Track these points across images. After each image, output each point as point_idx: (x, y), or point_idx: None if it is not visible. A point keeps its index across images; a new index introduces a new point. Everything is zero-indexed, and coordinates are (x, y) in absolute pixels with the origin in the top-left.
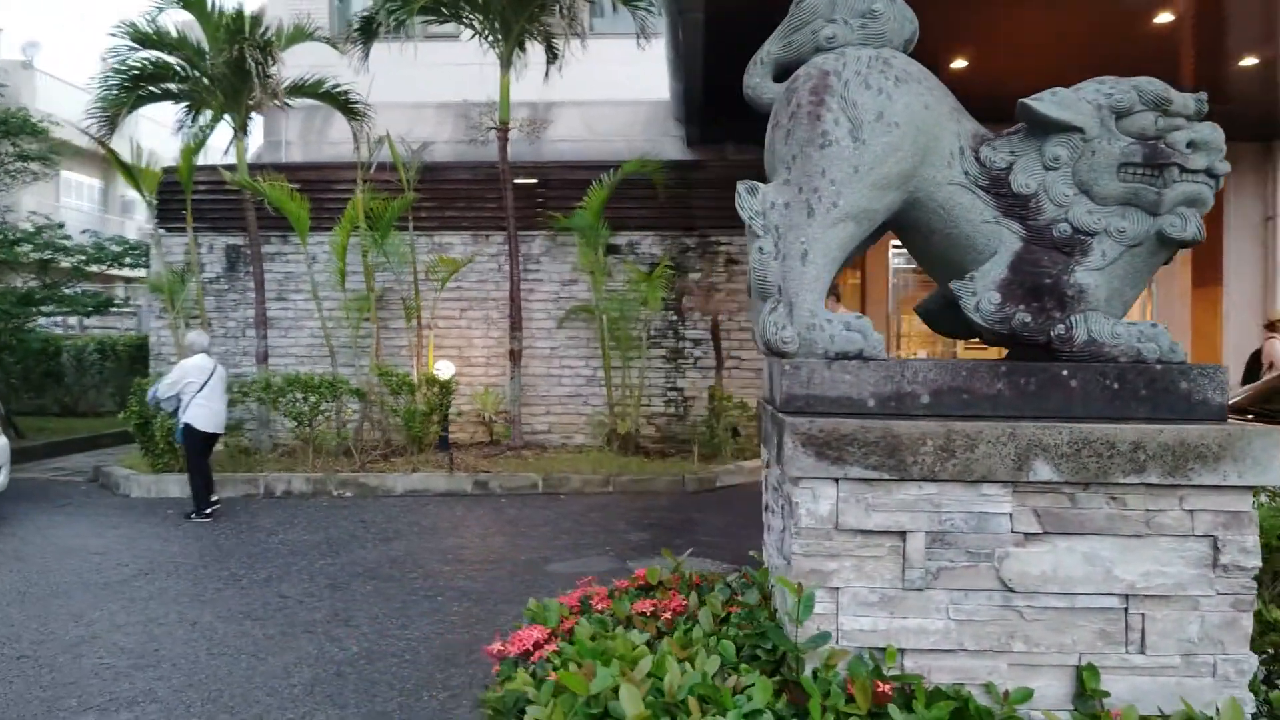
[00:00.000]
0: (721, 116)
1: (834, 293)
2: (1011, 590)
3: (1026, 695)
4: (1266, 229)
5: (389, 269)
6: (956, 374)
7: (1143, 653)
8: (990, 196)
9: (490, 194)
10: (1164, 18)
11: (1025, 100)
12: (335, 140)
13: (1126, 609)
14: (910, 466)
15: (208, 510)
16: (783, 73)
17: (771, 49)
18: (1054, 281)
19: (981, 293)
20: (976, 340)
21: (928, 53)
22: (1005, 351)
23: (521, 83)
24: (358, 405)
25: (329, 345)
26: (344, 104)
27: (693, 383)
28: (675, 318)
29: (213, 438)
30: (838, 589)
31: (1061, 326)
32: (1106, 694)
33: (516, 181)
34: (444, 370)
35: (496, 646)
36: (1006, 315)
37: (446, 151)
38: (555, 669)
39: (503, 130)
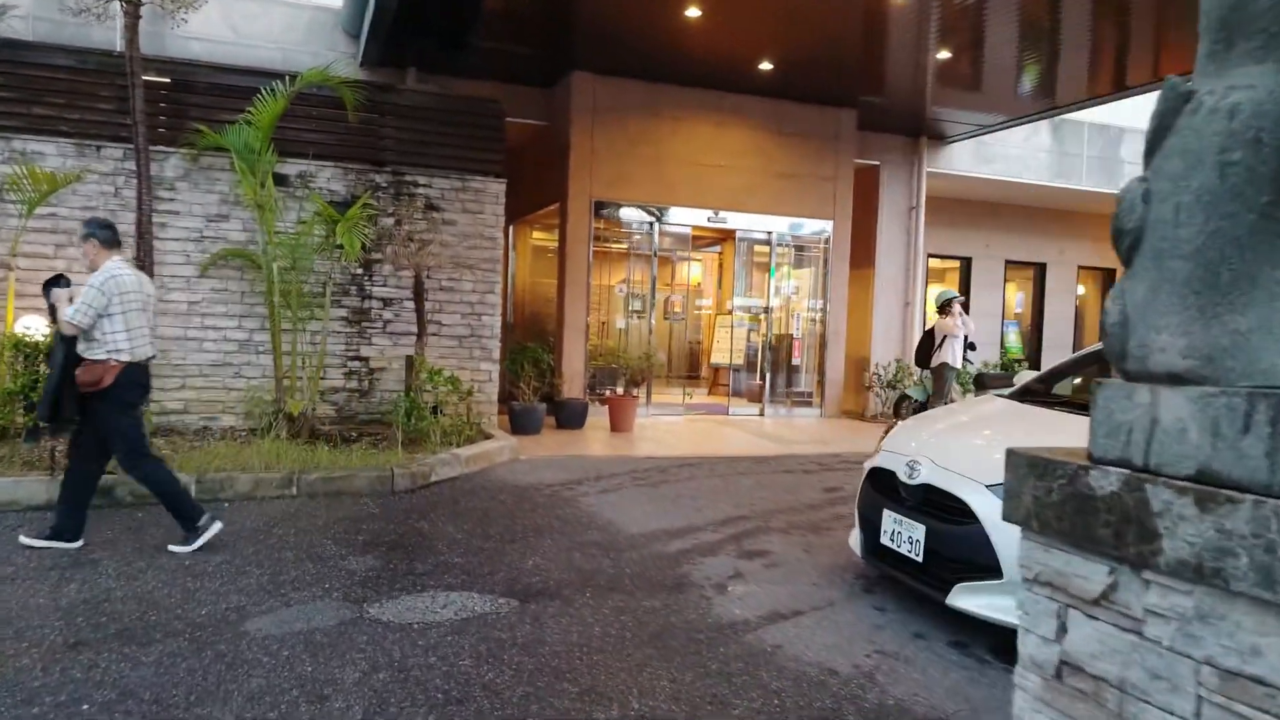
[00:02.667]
0: (407, 35)
1: None
2: None
3: None
4: (911, 218)
5: None
6: None
7: None
8: None
9: (105, 91)
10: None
11: None
12: None
13: None
14: None
15: None
16: None
17: None
18: None
19: None
20: None
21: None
22: None
23: None
24: None
25: None
26: None
27: (381, 351)
28: (361, 271)
29: None
30: None
31: None
32: None
33: (148, 79)
34: (33, 328)
35: None
36: None
37: (29, 29)
38: None
39: (133, 5)
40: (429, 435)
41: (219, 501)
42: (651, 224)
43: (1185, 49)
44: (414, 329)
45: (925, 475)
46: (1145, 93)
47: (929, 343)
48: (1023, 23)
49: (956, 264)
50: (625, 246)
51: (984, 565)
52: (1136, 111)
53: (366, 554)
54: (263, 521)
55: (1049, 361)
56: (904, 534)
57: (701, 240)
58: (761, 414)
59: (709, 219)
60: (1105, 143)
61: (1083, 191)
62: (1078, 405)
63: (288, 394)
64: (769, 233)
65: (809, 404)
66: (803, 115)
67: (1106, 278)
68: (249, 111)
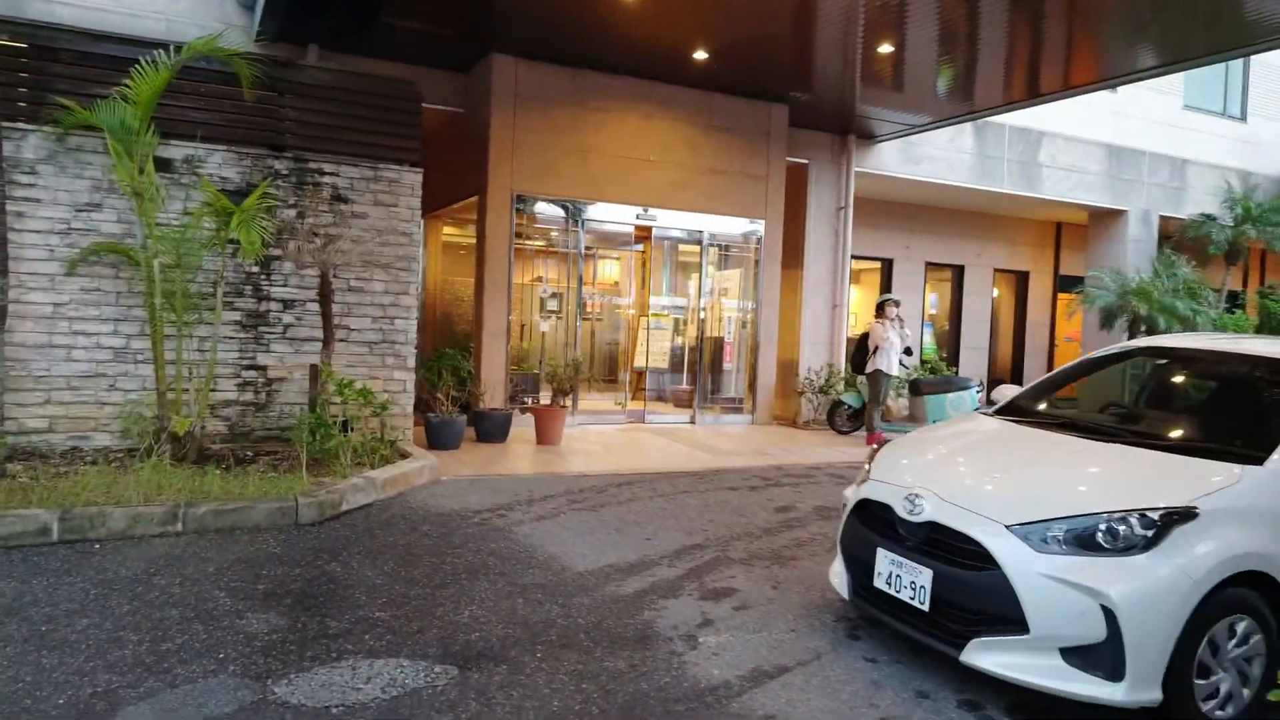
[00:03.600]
0: (308, 9)
1: None
2: None
3: None
4: (839, 218)
5: None
6: None
7: None
8: None
9: None
10: None
11: None
12: None
13: None
14: None
15: None
16: None
17: None
18: None
19: None
20: None
21: None
22: None
23: None
24: None
25: None
26: None
27: (280, 359)
28: (257, 269)
29: None
30: None
31: None
32: None
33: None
34: None
35: None
36: None
37: None
38: None
39: None
40: (338, 455)
41: (88, 543)
42: (576, 220)
43: (1097, 55)
44: (318, 334)
45: (931, 512)
46: (1063, 98)
47: (863, 348)
48: (943, 23)
49: (877, 265)
50: (547, 243)
51: (1006, 618)
52: (1056, 116)
53: (269, 609)
54: (141, 568)
55: (968, 364)
56: (905, 578)
57: (627, 238)
58: (692, 421)
59: (637, 216)
60: (1025, 146)
61: (1003, 195)
62: (1081, 426)
63: (172, 409)
64: (699, 231)
65: (739, 410)
66: (733, 109)
67: (1020, 280)
68: (125, 86)
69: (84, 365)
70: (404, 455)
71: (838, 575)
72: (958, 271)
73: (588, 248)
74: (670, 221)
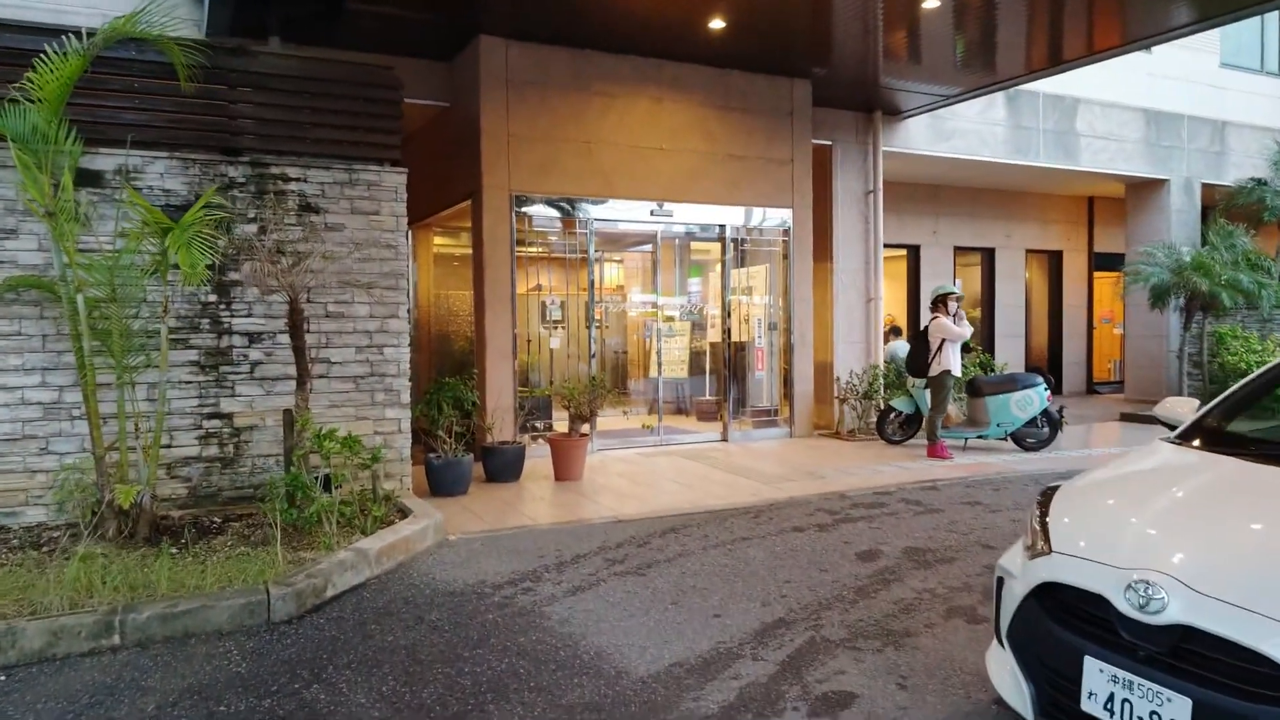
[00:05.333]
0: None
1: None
2: None
3: None
4: (868, 203)
5: None
6: None
7: None
8: None
9: None
10: None
11: None
12: None
13: None
14: None
15: None
16: None
17: None
18: None
19: None
20: None
21: None
22: None
23: None
24: None
25: None
26: None
27: (249, 404)
28: (215, 298)
29: None
30: None
31: None
32: None
33: None
34: None
35: None
36: None
37: None
38: None
39: None
40: (322, 522)
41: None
42: (583, 219)
43: (1137, 7)
44: (292, 371)
45: (1180, 610)
46: (1109, 57)
47: (923, 347)
48: None
49: (903, 253)
50: (551, 248)
51: None
52: (1090, 80)
53: None
54: (55, 714)
55: (1004, 353)
56: (1141, 706)
57: (641, 236)
58: (724, 438)
59: (651, 212)
60: (1060, 114)
61: (1039, 169)
62: None
63: (115, 476)
64: (719, 225)
65: (774, 422)
66: (751, 87)
67: (1053, 260)
68: (29, 81)
69: (7, 426)
70: (403, 512)
71: (1006, 679)
72: (988, 255)
73: (597, 250)
74: (688, 215)
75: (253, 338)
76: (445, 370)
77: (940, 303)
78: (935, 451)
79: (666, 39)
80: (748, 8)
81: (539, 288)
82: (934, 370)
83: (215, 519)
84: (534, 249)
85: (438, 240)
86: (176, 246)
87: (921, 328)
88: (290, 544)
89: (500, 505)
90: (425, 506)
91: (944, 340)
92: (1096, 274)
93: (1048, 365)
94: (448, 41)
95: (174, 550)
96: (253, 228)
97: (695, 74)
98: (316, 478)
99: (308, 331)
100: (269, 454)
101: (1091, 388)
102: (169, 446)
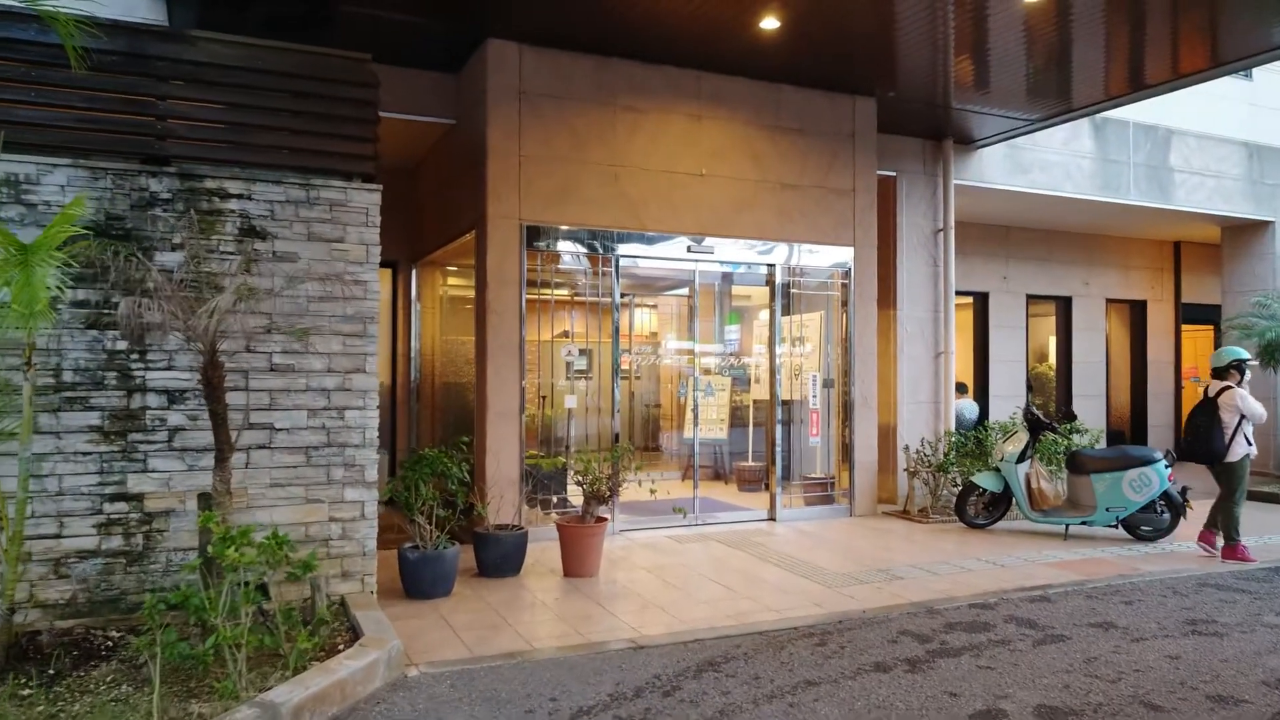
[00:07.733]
0: None
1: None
2: None
3: None
4: (937, 242)
5: None
6: None
7: None
8: None
9: None
10: None
11: None
12: None
13: None
14: None
15: None
16: None
17: None
18: None
19: None
20: None
21: None
22: None
23: None
24: None
25: None
26: None
27: (166, 482)
28: (125, 348)
29: None
30: None
31: None
32: None
33: None
34: None
35: None
36: None
37: None
38: None
39: None
40: (234, 653)
41: None
42: (609, 257)
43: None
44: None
45: None
46: (1213, 77)
47: (1210, 423)
48: None
49: (969, 300)
50: (576, 289)
51: None
52: (1184, 110)
53: None
54: None
55: (1084, 415)
56: None
57: (676, 278)
58: (771, 516)
59: (689, 248)
60: (1153, 147)
61: (1127, 207)
62: None
63: None
64: (769, 265)
65: (830, 497)
66: (807, 105)
67: (1136, 311)
68: None
69: None
70: (349, 636)
71: None
72: (1064, 304)
73: (624, 292)
74: (730, 253)
75: (173, 396)
76: (452, 429)
77: (1235, 369)
78: (1233, 553)
79: (707, 46)
80: (805, 7)
81: (565, 334)
82: (1234, 455)
83: (112, 633)
84: (549, 290)
85: (448, 280)
86: (13, 271)
87: (1205, 397)
88: (184, 685)
89: (490, 616)
90: (382, 624)
91: (1241, 416)
92: (1185, 326)
93: (1130, 428)
94: (453, 48)
95: (25, 691)
96: (178, 256)
97: (740, 88)
98: (242, 583)
99: (245, 389)
100: (189, 546)
101: (1180, 454)
102: (57, 537)
